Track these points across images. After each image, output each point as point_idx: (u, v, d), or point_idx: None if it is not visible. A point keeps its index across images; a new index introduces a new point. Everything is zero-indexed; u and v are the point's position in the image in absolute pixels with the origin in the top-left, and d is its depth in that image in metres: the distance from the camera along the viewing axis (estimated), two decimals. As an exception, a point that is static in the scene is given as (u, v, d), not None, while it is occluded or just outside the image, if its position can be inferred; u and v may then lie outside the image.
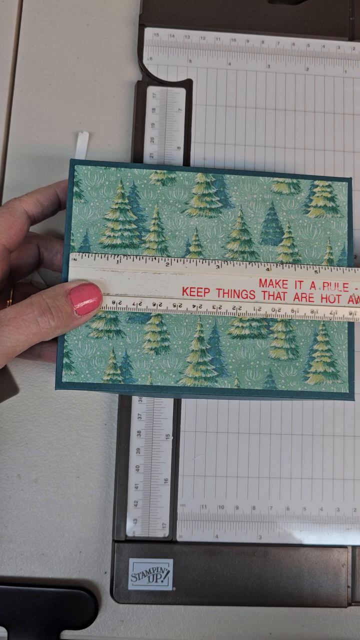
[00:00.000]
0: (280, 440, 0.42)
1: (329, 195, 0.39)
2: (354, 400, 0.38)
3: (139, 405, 0.41)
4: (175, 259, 0.37)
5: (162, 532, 0.41)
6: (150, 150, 0.43)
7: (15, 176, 0.44)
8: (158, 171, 0.38)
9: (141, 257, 0.37)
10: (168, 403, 0.42)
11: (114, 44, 0.46)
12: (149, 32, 0.45)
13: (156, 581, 0.40)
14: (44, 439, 0.42)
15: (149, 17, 0.45)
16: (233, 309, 0.37)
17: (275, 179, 0.39)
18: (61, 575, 0.41)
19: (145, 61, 0.45)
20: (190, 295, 0.37)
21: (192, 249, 0.38)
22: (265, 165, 0.44)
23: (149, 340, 0.37)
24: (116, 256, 0.37)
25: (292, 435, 0.42)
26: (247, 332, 0.37)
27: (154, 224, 0.38)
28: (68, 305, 0.34)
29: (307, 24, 0.46)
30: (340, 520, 0.42)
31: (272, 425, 0.42)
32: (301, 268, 0.37)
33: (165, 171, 0.38)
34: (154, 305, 0.36)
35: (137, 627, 0.41)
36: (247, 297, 0.37)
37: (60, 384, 0.36)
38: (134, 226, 0.37)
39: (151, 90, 0.44)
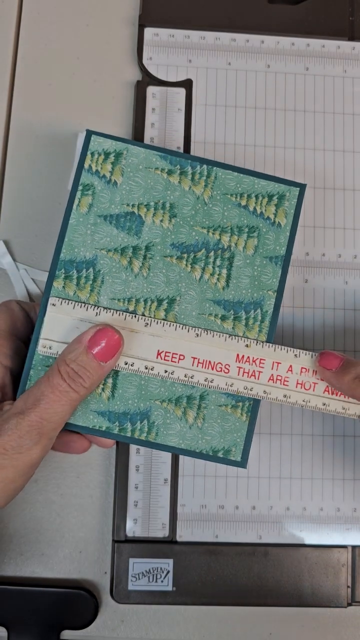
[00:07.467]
0: (280, 440, 0.42)
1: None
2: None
3: (138, 405, 0.41)
4: (155, 320, 0.36)
5: (162, 532, 0.41)
6: (150, 150, 0.43)
7: (16, 176, 0.44)
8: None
9: (121, 312, 0.36)
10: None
11: (114, 44, 0.46)
12: (148, 32, 0.45)
13: (156, 581, 0.40)
14: (44, 439, 0.42)
15: (148, 17, 0.45)
16: (205, 380, 0.36)
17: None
18: (61, 575, 0.41)
19: (145, 61, 0.45)
20: (164, 359, 0.35)
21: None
22: (265, 165, 0.44)
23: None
24: (96, 308, 0.35)
25: (292, 435, 0.42)
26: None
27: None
28: (93, 361, 0.34)
29: (307, 24, 0.46)
30: (340, 520, 0.42)
31: (272, 425, 0.42)
32: (281, 350, 0.36)
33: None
34: (126, 364, 0.35)
35: (137, 627, 0.41)
36: (221, 371, 0.36)
37: None
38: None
39: (151, 90, 0.44)
